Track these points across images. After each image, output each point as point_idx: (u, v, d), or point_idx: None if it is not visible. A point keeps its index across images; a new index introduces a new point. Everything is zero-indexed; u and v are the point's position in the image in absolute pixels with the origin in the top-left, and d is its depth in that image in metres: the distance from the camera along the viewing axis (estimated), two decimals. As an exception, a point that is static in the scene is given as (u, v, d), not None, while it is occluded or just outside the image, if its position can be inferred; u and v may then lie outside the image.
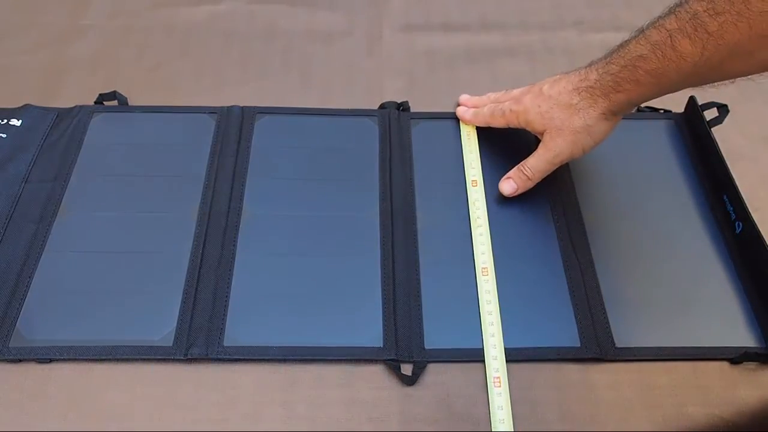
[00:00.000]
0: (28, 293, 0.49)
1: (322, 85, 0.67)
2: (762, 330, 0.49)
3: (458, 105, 0.62)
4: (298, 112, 0.63)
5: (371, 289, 0.50)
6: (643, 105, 0.64)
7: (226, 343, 0.47)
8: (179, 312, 0.49)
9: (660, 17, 0.44)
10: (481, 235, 0.53)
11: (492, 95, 0.61)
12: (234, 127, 0.60)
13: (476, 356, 0.47)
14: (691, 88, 0.65)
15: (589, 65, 0.51)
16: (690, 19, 0.40)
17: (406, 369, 0.47)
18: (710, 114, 0.61)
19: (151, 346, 0.47)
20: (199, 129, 0.61)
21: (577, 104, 0.50)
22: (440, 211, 0.55)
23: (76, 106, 0.62)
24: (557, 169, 0.58)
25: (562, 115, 0.51)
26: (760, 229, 0.51)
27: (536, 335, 0.48)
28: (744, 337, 0.49)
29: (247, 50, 0.70)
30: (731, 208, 0.54)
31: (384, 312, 0.49)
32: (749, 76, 0.42)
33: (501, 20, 0.74)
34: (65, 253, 0.52)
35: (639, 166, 0.59)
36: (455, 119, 0.62)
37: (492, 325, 0.48)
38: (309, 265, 0.52)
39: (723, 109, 0.60)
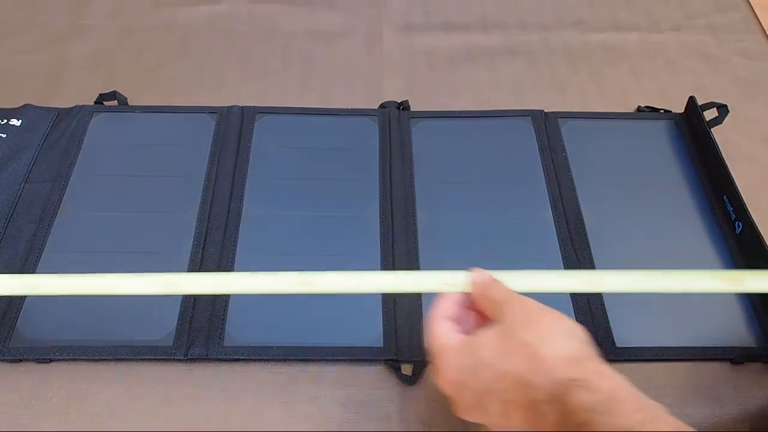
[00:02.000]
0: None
1: (322, 85, 0.67)
2: (762, 330, 0.49)
3: None
4: (298, 112, 0.63)
5: (371, 289, 0.50)
6: (643, 105, 0.64)
7: (226, 343, 0.47)
8: (179, 312, 0.49)
9: None
10: None
11: None
12: (234, 127, 0.60)
13: (476, 356, 0.47)
14: (691, 87, 0.65)
15: None
16: None
17: (406, 369, 0.47)
18: (710, 114, 0.60)
19: (151, 346, 0.47)
20: (199, 129, 0.61)
21: None
22: (440, 211, 0.55)
23: (76, 106, 0.62)
24: (557, 168, 0.59)
25: None
26: (760, 229, 0.51)
27: (536, 335, 0.48)
28: (744, 337, 0.49)
29: (247, 50, 0.70)
30: (731, 208, 0.54)
31: (384, 312, 0.49)
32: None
33: (501, 20, 0.74)
34: (65, 253, 0.52)
35: (639, 166, 0.59)
36: (455, 118, 0.62)
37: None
38: (309, 265, 0.51)
39: (723, 110, 0.60)
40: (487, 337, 0.34)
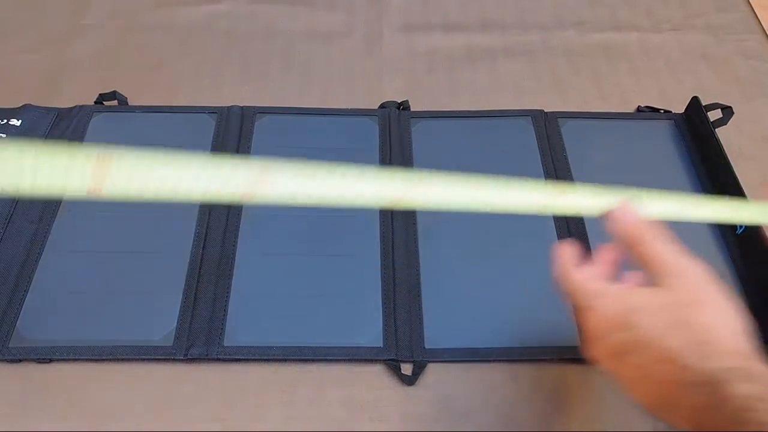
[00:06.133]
0: (28, 293, 0.49)
1: (322, 85, 0.67)
2: (762, 330, 0.49)
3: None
4: (298, 112, 0.63)
5: (371, 289, 0.50)
6: (643, 105, 0.64)
7: (226, 343, 0.47)
8: (179, 312, 0.49)
9: None
10: None
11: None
12: (234, 127, 0.60)
13: (476, 356, 0.47)
14: (691, 87, 0.65)
15: None
16: None
17: (406, 369, 0.47)
18: (712, 115, 0.60)
19: (151, 346, 0.47)
20: (199, 129, 0.61)
21: None
22: (440, 211, 0.55)
23: (76, 106, 0.62)
24: (558, 168, 0.58)
25: None
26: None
27: (537, 335, 0.48)
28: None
29: (247, 50, 0.70)
30: (731, 208, 0.54)
31: (384, 312, 0.49)
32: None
33: (501, 20, 0.74)
34: (65, 253, 0.52)
35: (639, 166, 0.59)
36: (455, 118, 0.62)
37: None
38: (309, 265, 0.52)
39: (727, 111, 0.60)
40: (648, 301, 0.32)
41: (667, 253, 0.33)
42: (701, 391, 0.29)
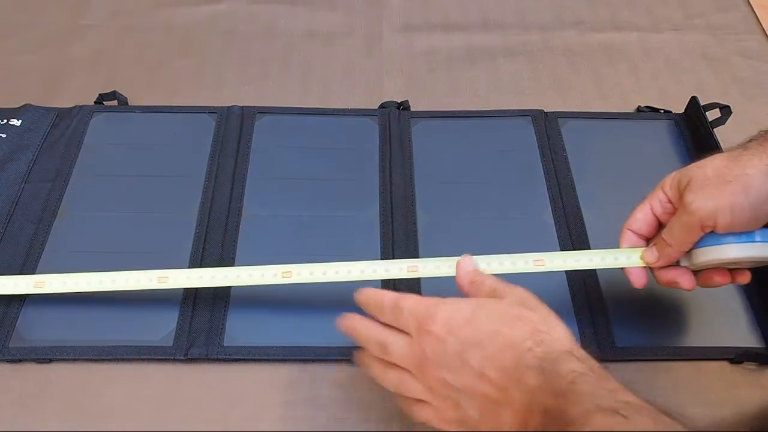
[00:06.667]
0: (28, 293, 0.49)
1: (322, 85, 0.67)
2: (762, 330, 0.49)
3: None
4: (298, 112, 0.63)
5: (371, 289, 0.50)
6: (643, 105, 0.64)
7: (226, 343, 0.47)
8: (179, 312, 0.49)
9: None
10: None
11: None
12: (234, 127, 0.60)
13: (476, 356, 0.47)
14: (691, 87, 0.65)
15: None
16: None
17: (406, 369, 0.47)
18: (711, 115, 0.60)
19: (151, 346, 0.47)
20: (199, 129, 0.61)
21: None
22: (440, 211, 0.55)
23: (76, 106, 0.62)
24: (558, 168, 0.59)
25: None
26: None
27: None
28: (744, 337, 0.49)
29: (247, 50, 0.70)
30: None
31: (384, 312, 0.49)
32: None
33: (501, 20, 0.74)
34: (65, 253, 0.52)
35: (639, 166, 0.59)
36: (455, 118, 0.62)
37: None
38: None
39: (725, 110, 0.60)
40: (488, 302, 0.38)
41: (498, 283, 0.40)
42: (539, 370, 0.33)
